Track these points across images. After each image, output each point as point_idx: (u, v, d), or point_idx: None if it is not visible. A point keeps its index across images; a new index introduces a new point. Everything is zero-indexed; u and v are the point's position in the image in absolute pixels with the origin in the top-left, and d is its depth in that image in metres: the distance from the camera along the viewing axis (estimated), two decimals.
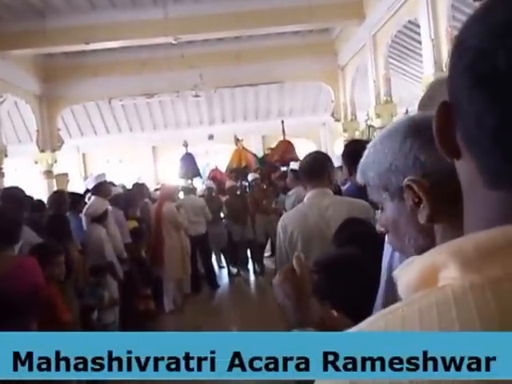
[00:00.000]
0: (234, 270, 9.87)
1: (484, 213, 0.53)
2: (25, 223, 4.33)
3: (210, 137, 14.74)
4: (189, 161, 11.24)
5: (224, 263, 10.22)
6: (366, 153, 1.05)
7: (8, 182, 9.53)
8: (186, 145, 11.49)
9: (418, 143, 0.95)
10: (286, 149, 10.58)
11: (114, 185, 6.72)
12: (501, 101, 0.47)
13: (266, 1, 9.99)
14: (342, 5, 9.99)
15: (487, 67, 0.48)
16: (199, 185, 11.05)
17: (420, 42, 7.95)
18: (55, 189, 11.28)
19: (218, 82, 12.67)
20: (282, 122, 10.49)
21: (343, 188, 3.80)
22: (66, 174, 12.84)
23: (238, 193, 9.68)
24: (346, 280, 1.68)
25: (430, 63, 7.28)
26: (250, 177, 9.25)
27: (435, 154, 0.91)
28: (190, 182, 10.46)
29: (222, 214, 9.64)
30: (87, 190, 6.84)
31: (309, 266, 1.39)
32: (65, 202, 5.56)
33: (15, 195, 4.76)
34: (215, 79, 12.44)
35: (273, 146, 13.31)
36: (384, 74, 9.71)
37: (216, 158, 15.25)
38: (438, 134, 0.57)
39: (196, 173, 11.25)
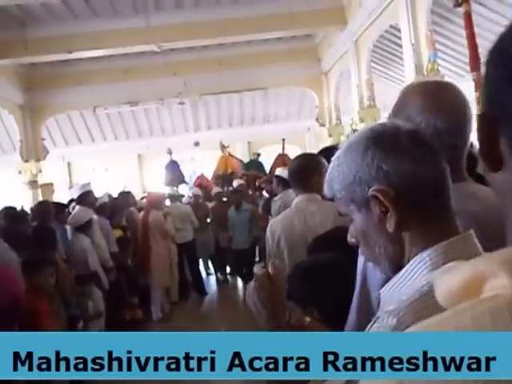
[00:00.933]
0: (222, 277, 9.85)
1: None
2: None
3: (196, 144, 14.72)
4: (174, 168, 11.24)
5: (212, 270, 10.20)
6: (330, 166, 1.06)
7: None
8: (170, 152, 11.48)
9: (380, 153, 0.95)
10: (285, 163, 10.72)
11: (95, 198, 6.60)
12: None
13: (248, 8, 10.03)
14: (324, 11, 10.06)
15: None
16: (185, 191, 11.03)
17: (401, 46, 8.03)
18: (40, 199, 11.19)
19: (202, 89, 12.68)
20: (283, 140, 10.52)
21: None
22: (51, 184, 12.72)
23: (225, 199, 9.67)
24: (323, 284, 1.68)
25: (411, 67, 7.36)
26: (236, 183, 9.25)
27: (397, 162, 0.94)
28: (175, 189, 10.44)
29: (208, 221, 9.62)
30: (71, 200, 6.81)
31: (284, 274, 1.38)
32: (49, 212, 5.53)
33: None
34: (200, 86, 12.44)
35: (259, 151, 13.37)
36: (367, 78, 9.78)
37: (202, 164, 15.25)
38: (482, 146, 0.56)
39: (181, 180, 11.24)
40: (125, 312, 6.54)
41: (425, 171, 0.94)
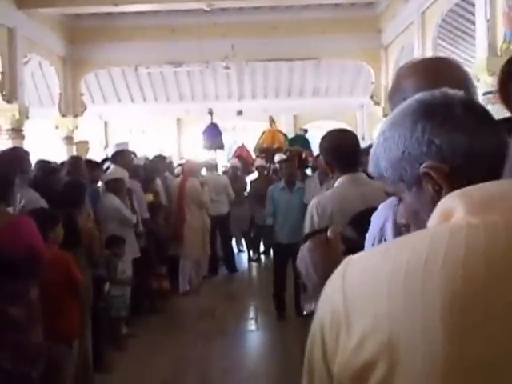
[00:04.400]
0: (255, 256, 9.87)
1: None
2: (28, 185, 4.39)
3: (239, 112, 14.63)
4: (213, 132, 11.21)
5: (244, 247, 10.23)
6: (375, 142, 1.03)
7: (28, 145, 9.64)
8: (211, 112, 11.43)
9: (431, 126, 0.92)
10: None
11: (135, 154, 6.70)
12: None
13: None
14: None
15: None
16: (222, 160, 11.00)
17: (473, 23, 7.73)
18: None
19: (250, 55, 12.54)
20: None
21: None
22: (86, 142, 12.94)
23: (266, 174, 9.62)
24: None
25: (483, 46, 7.08)
26: (277, 157, 9.11)
27: (451, 135, 0.90)
28: (213, 157, 10.42)
29: (245, 195, 9.61)
30: (106, 159, 6.88)
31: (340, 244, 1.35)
32: (80, 167, 5.61)
33: (9, 155, 4.84)
34: (248, 51, 12.31)
35: (305, 126, 13.22)
36: (431, 56, 9.50)
37: (243, 135, 15.18)
38: (499, 88, 0.61)
39: (220, 145, 11.20)
40: (151, 281, 6.62)
41: (481, 144, 0.91)
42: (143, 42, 12.07)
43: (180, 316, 6.74)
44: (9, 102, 9.38)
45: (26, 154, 5.12)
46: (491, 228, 0.52)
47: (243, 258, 10.05)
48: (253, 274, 9.38)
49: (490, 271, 0.50)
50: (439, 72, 1.34)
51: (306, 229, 2.82)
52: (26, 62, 10.58)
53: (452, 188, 0.86)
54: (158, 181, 7.60)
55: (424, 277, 0.52)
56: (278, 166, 8.61)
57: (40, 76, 13.64)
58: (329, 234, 1.31)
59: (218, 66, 13.08)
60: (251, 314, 6.96)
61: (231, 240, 9.36)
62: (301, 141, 10.87)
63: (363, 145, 3.75)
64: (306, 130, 11.86)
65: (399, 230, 1.38)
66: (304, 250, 1.34)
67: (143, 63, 13.01)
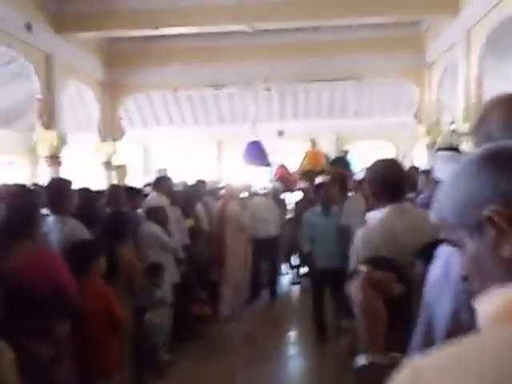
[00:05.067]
0: (295, 279, 9.82)
1: None
2: (72, 216, 4.42)
3: (280, 133, 14.66)
4: (256, 148, 11.22)
5: (285, 270, 10.17)
6: (440, 189, 1.04)
7: (66, 172, 9.82)
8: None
9: (496, 171, 0.92)
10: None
11: (172, 185, 6.73)
12: None
13: None
14: None
15: None
16: (263, 181, 10.96)
17: None
18: (115, 181, 11.58)
19: (291, 76, 12.59)
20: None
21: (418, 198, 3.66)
22: (125, 166, 13.11)
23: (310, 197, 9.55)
24: None
25: None
26: (318, 180, 9.01)
27: None
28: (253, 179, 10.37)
29: (286, 218, 9.57)
30: (146, 184, 6.96)
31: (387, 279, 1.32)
32: (121, 195, 5.66)
33: (30, 190, 4.89)
34: (288, 73, 12.37)
35: (348, 145, 13.12)
36: (476, 74, 9.33)
37: (284, 156, 15.14)
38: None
39: (265, 161, 11.17)
40: (192, 306, 6.62)
41: None
42: (183, 65, 12.26)
43: (221, 342, 6.73)
44: (47, 128, 9.57)
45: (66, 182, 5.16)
46: None
47: (284, 280, 10.01)
48: (294, 297, 9.30)
49: None
50: None
51: (352, 261, 2.78)
52: (64, 88, 10.81)
53: None
54: (200, 206, 7.63)
55: None
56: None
57: (78, 101, 13.97)
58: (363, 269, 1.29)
59: (259, 88, 13.16)
60: (292, 339, 6.91)
61: (279, 264, 9.30)
62: (342, 162, 10.78)
63: (405, 164, 3.70)
64: (346, 152, 11.77)
65: None
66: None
67: (183, 86, 13.17)
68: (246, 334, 6.88)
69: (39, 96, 9.54)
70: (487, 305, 0.56)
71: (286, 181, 10.38)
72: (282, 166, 11.43)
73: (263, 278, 8.95)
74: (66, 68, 10.34)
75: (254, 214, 8.38)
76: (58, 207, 4.32)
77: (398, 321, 1.31)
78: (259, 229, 8.28)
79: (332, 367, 5.33)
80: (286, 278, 10.12)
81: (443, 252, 1.50)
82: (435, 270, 1.49)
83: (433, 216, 1.07)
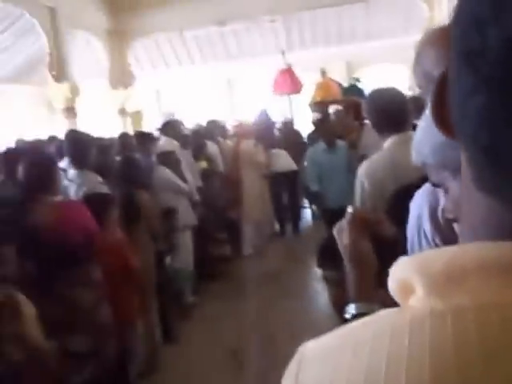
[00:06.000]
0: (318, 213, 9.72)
1: (474, 220, 0.49)
2: (91, 169, 4.43)
3: (288, 65, 14.35)
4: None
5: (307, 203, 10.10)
6: (418, 127, 0.96)
7: (82, 122, 9.81)
8: (283, 52, 11.31)
9: None
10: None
11: (182, 124, 6.67)
12: (489, 81, 0.42)
13: None
14: None
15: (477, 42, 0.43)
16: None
17: None
18: (130, 127, 11.56)
19: (295, 4, 12.16)
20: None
21: None
22: (139, 112, 13.04)
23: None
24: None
25: None
26: (332, 109, 8.80)
27: None
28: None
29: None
30: (157, 129, 6.90)
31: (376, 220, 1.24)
32: (131, 143, 5.63)
33: (45, 147, 4.88)
34: (292, 1, 11.94)
35: (359, 72, 12.80)
36: None
37: None
38: (432, 110, 0.52)
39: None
40: (212, 247, 6.66)
41: None
42: (186, 3, 11.91)
43: (244, 280, 6.72)
44: (59, 81, 9.51)
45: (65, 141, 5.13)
46: (459, 319, 0.42)
47: (307, 214, 9.87)
48: (318, 231, 9.23)
49: (461, 378, 0.40)
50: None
51: (357, 196, 2.70)
52: (72, 39, 10.64)
53: None
54: (212, 146, 7.52)
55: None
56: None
57: (87, 51, 13.77)
58: (349, 211, 1.21)
59: (264, 21, 12.78)
60: (317, 275, 6.85)
61: (300, 198, 9.22)
62: (355, 90, 10.51)
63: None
64: (358, 79, 11.46)
65: (436, 221, 1.26)
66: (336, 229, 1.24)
67: (187, 25, 12.85)
68: (270, 271, 6.86)
69: (48, 51, 9.46)
70: (390, 281, 0.51)
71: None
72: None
73: (287, 213, 8.91)
74: (70, 20, 10.13)
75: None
76: (77, 161, 4.36)
77: (389, 265, 1.23)
78: (276, 163, 8.19)
79: None
80: (309, 211, 9.96)
81: (414, 208, 1.40)
82: (410, 230, 1.40)
83: (413, 157, 1.00)
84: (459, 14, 0.48)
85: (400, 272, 0.50)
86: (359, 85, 10.84)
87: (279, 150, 8.31)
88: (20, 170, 3.49)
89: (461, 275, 0.44)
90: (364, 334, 0.46)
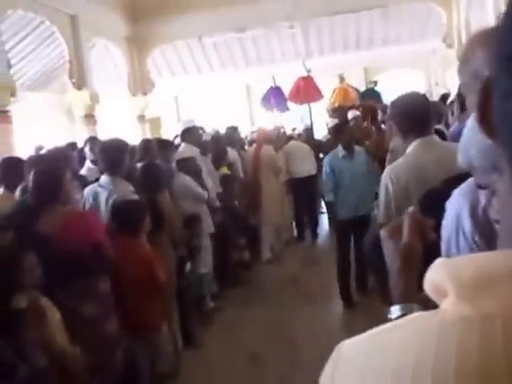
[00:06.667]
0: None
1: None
2: (122, 177, 4.42)
3: (308, 71, 14.33)
4: (276, 94, 11.06)
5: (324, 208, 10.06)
6: (464, 131, 0.93)
7: (101, 129, 9.88)
8: (273, 80, 11.31)
9: None
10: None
11: (203, 130, 6.68)
12: None
13: None
14: None
15: None
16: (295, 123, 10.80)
17: None
18: (148, 134, 11.60)
19: (314, 11, 12.15)
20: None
21: (450, 130, 3.50)
22: (158, 118, 13.12)
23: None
24: None
25: None
26: (350, 114, 8.75)
27: None
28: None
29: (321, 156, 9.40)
30: (176, 136, 6.91)
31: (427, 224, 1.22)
32: (153, 149, 5.63)
33: (56, 156, 4.87)
34: (311, 7, 11.93)
35: (377, 77, 12.73)
36: None
37: None
38: (477, 112, 0.51)
39: (283, 107, 11.01)
40: (232, 253, 6.65)
41: None
42: (205, 11, 11.96)
43: (263, 285, 6.72)
44: (79, 88, 9.59)
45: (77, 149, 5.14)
46: (487, 326, 0.42)
47: (324, 219, 9.85)
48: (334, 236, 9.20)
49: None
50: None
51: (381, 200, 2.69)
52: (92, 46, 10.74)
53: None
54: (233, 152, 7.51)
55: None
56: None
57: (107, 58, 13.89)
58: (409, 213, 1.19)
59: (282, 27, 12.79)
60: (333, 280, 6.83)
61: (318, 203, 9.21)
62: (372, 94, 10.47)
63: (437, 91, 3.52)
64: (375, 82, 11.42)
65: (476, 220, 1.23)
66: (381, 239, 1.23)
67: (206, 32, 12.91)
68: (289, 276, 6.84)
69: (68, 57, 9.55)
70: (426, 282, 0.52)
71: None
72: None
73: (306, 218, 8.89)
74: (91, 28, 10.26)
75: (289, 154, 8.30)
76: (111, 168, 4.31)
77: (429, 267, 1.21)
78: (295, 169, 8.20)
79: (375, 305, 5.23)
80: (325, 217, 9.92)
81: (451, 208, 1.37)
82: (446, 229, 1.37)
83: (460, 160, 0.97)
84: (502, 18, 0.47)
85: (434, 275, 0.51)
86: (376, 88, 10.81)
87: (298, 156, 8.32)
88: (29, 179, 3.47)
89: (490, 282, 0.44)
90: (396, 336, 0.47)
